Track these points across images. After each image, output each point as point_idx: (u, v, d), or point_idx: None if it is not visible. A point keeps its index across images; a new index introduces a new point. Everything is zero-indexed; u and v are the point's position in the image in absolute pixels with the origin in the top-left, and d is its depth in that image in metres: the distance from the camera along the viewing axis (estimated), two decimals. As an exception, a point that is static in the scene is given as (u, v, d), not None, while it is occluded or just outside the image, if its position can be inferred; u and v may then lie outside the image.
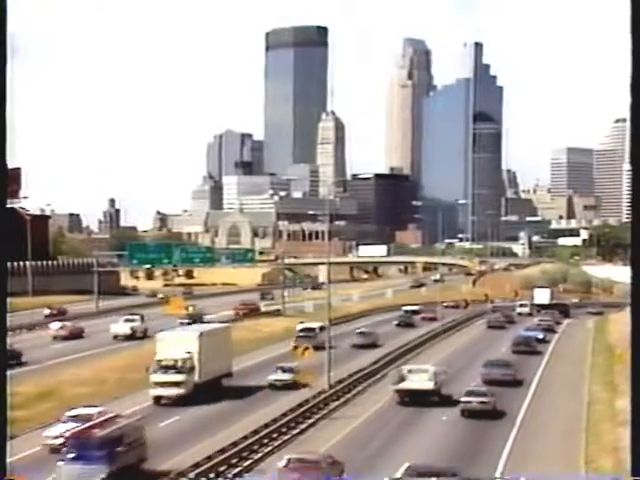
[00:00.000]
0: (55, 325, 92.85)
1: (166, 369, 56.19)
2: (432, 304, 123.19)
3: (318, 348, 66.79)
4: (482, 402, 51.94)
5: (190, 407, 54.34)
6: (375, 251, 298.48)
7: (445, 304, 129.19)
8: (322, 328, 74.39)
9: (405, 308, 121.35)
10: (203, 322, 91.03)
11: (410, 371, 58.06)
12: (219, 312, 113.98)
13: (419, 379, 56.50)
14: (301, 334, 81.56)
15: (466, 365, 72.89)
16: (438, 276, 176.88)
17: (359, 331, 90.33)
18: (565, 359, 78.59)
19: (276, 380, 61.83)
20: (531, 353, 79.60)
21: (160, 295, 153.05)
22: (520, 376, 64.88)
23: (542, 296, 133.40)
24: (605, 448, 41.45)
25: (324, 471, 35.02)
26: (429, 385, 56.02)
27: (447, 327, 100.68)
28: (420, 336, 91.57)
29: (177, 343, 58.80)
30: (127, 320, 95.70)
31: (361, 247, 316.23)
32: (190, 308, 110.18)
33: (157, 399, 55.57)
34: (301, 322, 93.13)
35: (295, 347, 71.52)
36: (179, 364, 56.56)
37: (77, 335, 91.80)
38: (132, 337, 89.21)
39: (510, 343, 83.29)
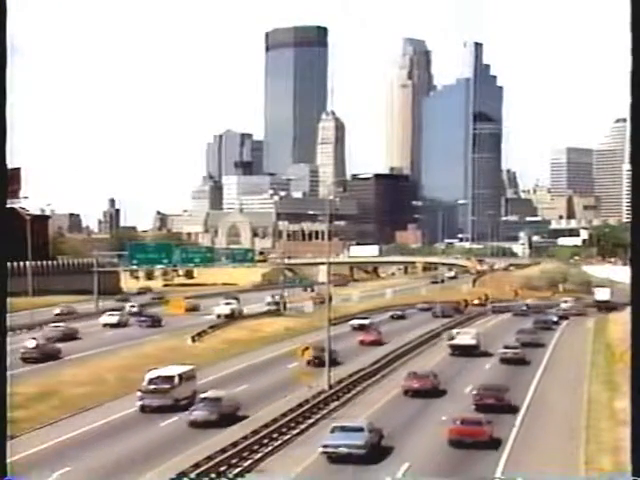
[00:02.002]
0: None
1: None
2: (431, 303, 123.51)
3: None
4: (515, 353, 75.34)
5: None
6: (367, 251, 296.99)
7: (420, 306, 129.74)
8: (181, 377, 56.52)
9: (353, 322, 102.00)
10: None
11: (458, 333, 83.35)
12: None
13: (465, 337, 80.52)
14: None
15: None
16: (452, 273, 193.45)
17: None
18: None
19: None
20: (548, 329, 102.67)
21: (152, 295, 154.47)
22: (541, 341, 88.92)
23: (602, 294, 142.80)
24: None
25: (432, 382, 59.75)
26: (472, 342, 79.87)
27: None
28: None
29: None
30: (227, 303, 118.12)
31: (352, 247, 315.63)
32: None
33: None
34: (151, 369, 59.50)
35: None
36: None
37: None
38: (231, 316, 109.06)
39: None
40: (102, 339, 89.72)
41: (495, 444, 44.10)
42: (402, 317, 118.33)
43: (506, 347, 76.65)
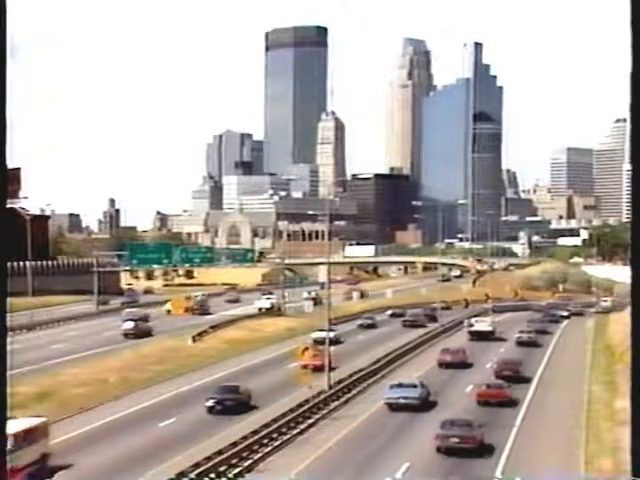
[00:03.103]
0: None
1: None
2: (431, 304, 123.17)
3: None
4: (529, 336, 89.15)
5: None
6: (362, 251, 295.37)
7: (392, 311, 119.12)
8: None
9: (315, 335, 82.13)
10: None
11: (477, 321, 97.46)
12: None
13: (482, 324, 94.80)
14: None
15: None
16: (459, 272, 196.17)
17: None
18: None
19: None
20: (556, 322, 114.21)
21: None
22: (550, 330, 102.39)
23: None
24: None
25: (462, 356, 72.92)
26: (489, 328, 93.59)
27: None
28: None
29: None
30: (267, 297, 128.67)
31: (347, 247, 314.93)
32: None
33: None
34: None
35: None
36: None
37: None
38: (271, 310, 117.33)
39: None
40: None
41: (514, 403, 55.61)
42: (372, 326, 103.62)
43: (521, 332, 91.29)
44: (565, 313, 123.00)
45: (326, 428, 48.87)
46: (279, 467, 40.66)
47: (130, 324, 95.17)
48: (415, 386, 55.41)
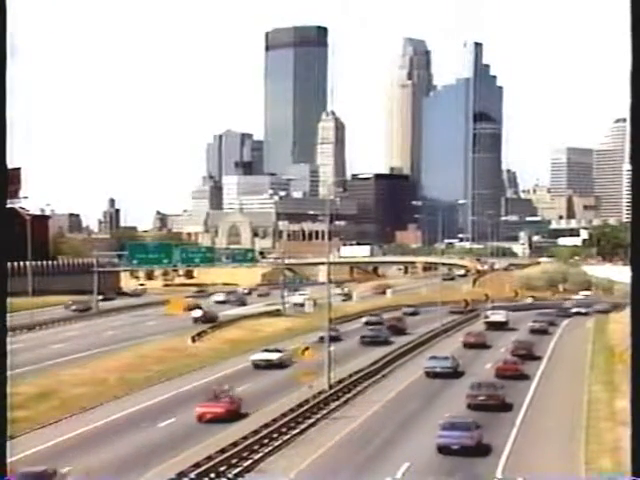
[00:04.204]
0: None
1: None
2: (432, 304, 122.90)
3: None
4: (541, 325, 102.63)
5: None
6: (357, 251, 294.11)
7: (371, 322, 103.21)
8: None
9: (255, 357, 73.21)
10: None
11: (492, 313, 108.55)
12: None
13: (497, 316, 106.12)
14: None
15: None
16: (462, 272, 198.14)
17: None
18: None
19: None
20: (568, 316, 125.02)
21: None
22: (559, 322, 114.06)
23: None
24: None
25: (484, 338, 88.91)
26: (503, 319, 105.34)
27: None
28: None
29: None
30: (301, 293, 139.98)
31: (342, 247, 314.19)
32: None
33: None
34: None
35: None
36: None
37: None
38: (302, 305, 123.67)
39: None
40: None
41: (526, 377, 66.59)
42: (337, 338, 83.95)
43: (535, 321, 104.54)
44: (584, 310, 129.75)
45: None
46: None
47: (199, 312, 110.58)
48: (447, 358, 69.34)
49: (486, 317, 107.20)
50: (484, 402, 52.62)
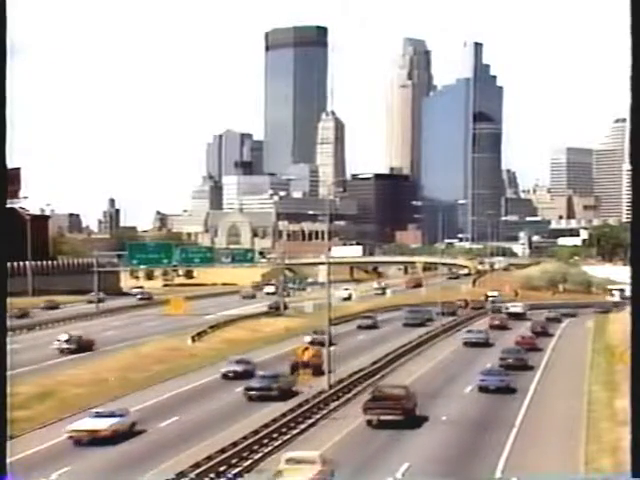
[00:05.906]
0: None
1: None
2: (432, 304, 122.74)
3: None
4: (555, 315, 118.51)
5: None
6: (349, 251, 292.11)
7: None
8: None
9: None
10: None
11: (512, 305, 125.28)
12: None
13: (515, 308, 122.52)
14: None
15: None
16: (466, 270, 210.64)
17: None
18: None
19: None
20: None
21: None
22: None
23: None
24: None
25: (505, 321, 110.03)
26: (521, 310, 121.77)
27: None
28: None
29: None
30: (345, 288, 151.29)
31: (334, 248, 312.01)
32: None
33: None
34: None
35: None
36: None
37: None
38: (349, 299, 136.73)
39: None
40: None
41: (540, 350, 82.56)
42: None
43: (549, 311, 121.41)
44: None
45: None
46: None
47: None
48: (481, 331, 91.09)
49: (506, 308, 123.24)
50: (512, 363, 68.65)
